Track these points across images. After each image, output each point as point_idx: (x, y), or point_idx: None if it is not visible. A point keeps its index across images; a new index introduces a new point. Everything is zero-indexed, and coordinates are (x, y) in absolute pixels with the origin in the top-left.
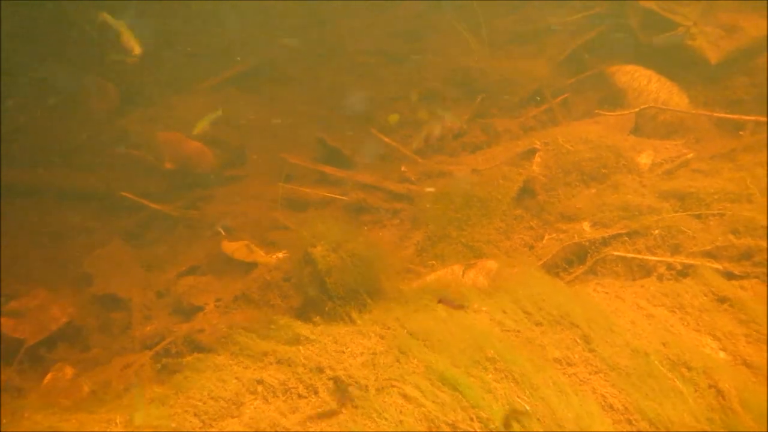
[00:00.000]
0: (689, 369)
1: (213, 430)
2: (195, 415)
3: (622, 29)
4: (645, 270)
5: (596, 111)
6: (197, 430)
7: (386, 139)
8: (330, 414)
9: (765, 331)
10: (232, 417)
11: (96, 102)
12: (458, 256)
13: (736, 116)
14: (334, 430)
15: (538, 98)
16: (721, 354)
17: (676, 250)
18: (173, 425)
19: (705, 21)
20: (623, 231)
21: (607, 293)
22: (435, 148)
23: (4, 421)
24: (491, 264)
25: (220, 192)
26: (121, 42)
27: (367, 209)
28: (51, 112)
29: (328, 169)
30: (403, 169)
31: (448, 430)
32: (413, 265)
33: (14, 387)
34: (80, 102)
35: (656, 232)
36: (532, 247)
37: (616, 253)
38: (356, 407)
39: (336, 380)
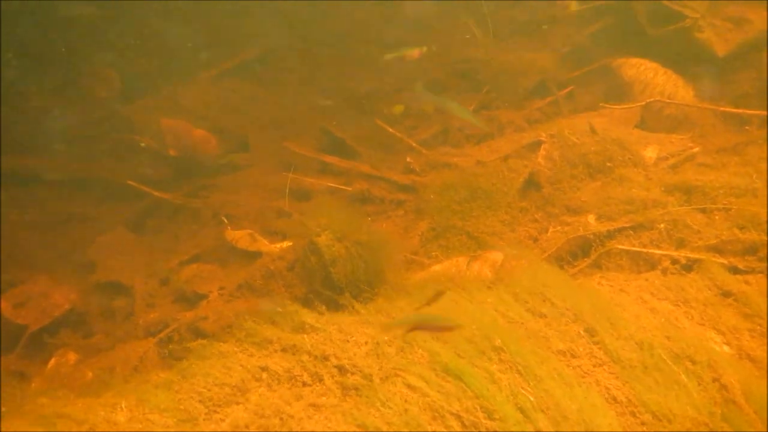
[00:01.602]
0: (693, 362)
1: (218, 416)
2: (200, 401)
3: (629, 21)
4: (649, 264)
5: (601, 104)
6: (203, 415)
7: (391, 130)
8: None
9: None
10: (237, 404)
11: (98, 89)
12: (462, 248)
13: (741, 110)
14: (339, 417)
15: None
16: (725, 348)
17: (681, 244)
18: (180, 410)
19: (713, 13)
20: (628, 224)
21: (611, 286)
22: (440, 139)
23: (7, 406)
24: (496, 256)
25: (223, 180)
26: None
27: (371, 200)
28: (54, 98)
29: (332, 159)
30: (408, 159)
31: (453, 419)
32: (417, 256)
33: (18, 372)
34: (83, 89)
35: (661, 225)
36: (536, 240)
37: (620, 247)
38: (361, 396)
39: (340, 368)
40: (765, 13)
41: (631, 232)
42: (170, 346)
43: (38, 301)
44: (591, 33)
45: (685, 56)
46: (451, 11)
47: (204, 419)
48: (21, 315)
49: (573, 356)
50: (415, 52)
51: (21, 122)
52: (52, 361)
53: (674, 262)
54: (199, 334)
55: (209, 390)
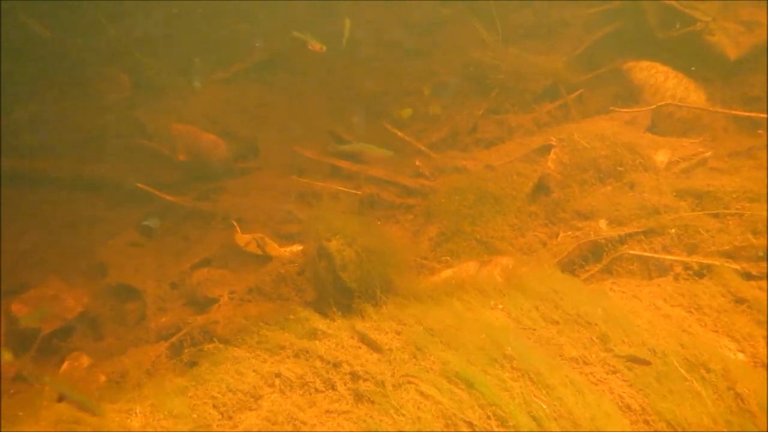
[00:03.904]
0: (707, 370)
1: (232, 422)
2: (213, 407)
3: (640, 24)
4: (661, 269)
5: (612, 107)
6: (216, 421)
7: (400, 134)
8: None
9: None
10: (250, 410)
11: (109, 92)
12: (472, 253)
13: (753, 114)
14: (352, 424)
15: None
16: (740, 355)
17: (693, 249)
18: (194, 416)
19: (724, 16)
20: (640, 229)
21: (623, 292)
22: (449, 143)
23: (24, 411)
24: (506, 261)
25: (233, 184)
26: None
27: (381, 204)
28: (64, 101)
29: (342, 163)
30: (417, 163)
31: (466, 427)
32: (427, 261)
33: (31, 375)
34: (93, 91)
35: (673, 231)
36: (546, 245)
37: (632, 252)
38: (373, 403)
39: (353, 375)
40: None
41: (643, 237)
42: (182, 351)
43: (51, 304)
44: (602, 36)
45: (696, 59)
46: (460, 15)
47: (217, 425)
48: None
49: (586, 363)
50: (317, 46)
51: (32, 125)
52: (65, 365)
53: (686, 267)
54: (210, 338)
55: (223, 396)
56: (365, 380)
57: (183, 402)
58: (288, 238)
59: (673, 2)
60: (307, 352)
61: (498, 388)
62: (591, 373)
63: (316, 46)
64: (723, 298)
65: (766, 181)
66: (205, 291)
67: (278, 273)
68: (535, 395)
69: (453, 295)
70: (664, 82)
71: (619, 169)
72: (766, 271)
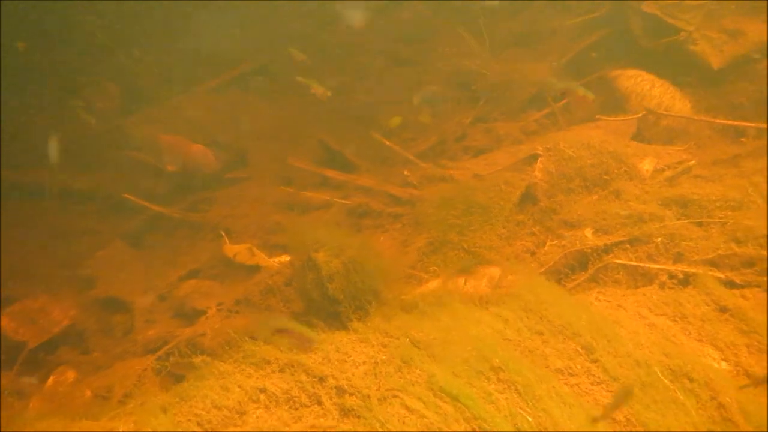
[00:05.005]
0: (691, 380)
1: None
2: (198, 424)
3: (625, 33)
4: (647, 278)
5: (598, 116)
6: None
7: (388, 143)
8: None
9: (766, 342)
10: (236, 426)
11: (97, 101)
12: (460, 263)
13: (738, 123)
14: None
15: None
16: (723, 364)
17: (677, 258)
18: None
19: (708, 25)
20: (625, 238)
21: (608, 302)
22: (437, 151)
23: (7, 429)
24: (493, 270)
25: (222, 194)
26: None
27: (369, 213)
28: (52, 111)
29: (330, 173)
30: (405, 173)
31: None
32: (415, 271)
33: (16, 390)
34: (82, 101)
35: (658, 239)
36: (533, 254)
37: (617, 261)
38: (359, 417)
39: (338, 389)
40: (760, 25)
41: (628, 246)
42: (169, 364)
43: (37, 317)
44: (587, 45)
45: (681, 68)
46: (447, 24)
47: None
48: (20, 331)
49: (571, 374)
50: (320, 90)
51: (20, 136)
52: (51, 379)
53: (671, 276)
54: (197, 351)
55: (207, 413)
56: (351, 394)
57: (167, 419)
58: (276, 249)
59: (658, 12)
60: (293, 366)
61: (483, 400)
62: (576, 384)
63: (319, 90)
64: (707, 306)
65: (749, 190)
66: (193, 303)
67: (266, 284)
68: (520, 407)
69: (440, 306)
70: (650, 90)
71: (605, 177)
72: (749, 279)
